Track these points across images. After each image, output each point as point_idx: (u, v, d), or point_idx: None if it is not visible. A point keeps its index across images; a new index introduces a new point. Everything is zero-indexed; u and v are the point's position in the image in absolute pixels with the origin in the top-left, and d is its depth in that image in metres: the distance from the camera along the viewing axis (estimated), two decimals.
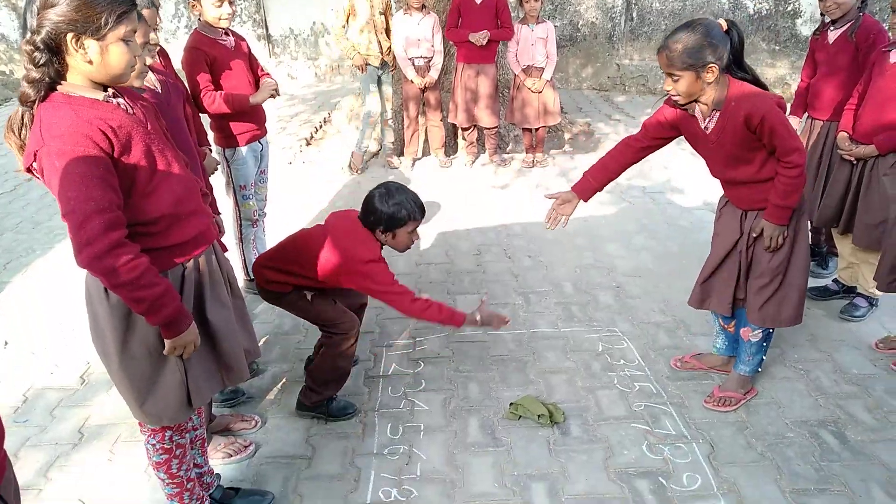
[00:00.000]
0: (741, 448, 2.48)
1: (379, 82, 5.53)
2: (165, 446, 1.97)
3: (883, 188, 3.01)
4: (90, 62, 1.55)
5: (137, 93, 1.83)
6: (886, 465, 2.37)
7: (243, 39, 3.39)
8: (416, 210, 2.51)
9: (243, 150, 3.37)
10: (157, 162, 1.69)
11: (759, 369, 2.72)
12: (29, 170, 1.58)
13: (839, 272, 3.46)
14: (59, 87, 1.56)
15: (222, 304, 1.92)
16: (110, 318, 1.70)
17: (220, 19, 3.13)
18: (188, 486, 2.05)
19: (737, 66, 2.31)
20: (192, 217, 1.79)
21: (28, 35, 1.51)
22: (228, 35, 3.26)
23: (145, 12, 2.32)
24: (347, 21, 5.29)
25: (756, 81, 2.34)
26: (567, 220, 2.70)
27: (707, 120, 2.40)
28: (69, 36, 1.50)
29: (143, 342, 1.74)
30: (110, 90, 1.65)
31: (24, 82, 1.53)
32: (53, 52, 1.52)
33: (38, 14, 1.49)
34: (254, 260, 3.61)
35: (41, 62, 1.51)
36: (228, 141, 3.33)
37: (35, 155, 1.53)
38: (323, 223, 2.64)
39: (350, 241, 2.48)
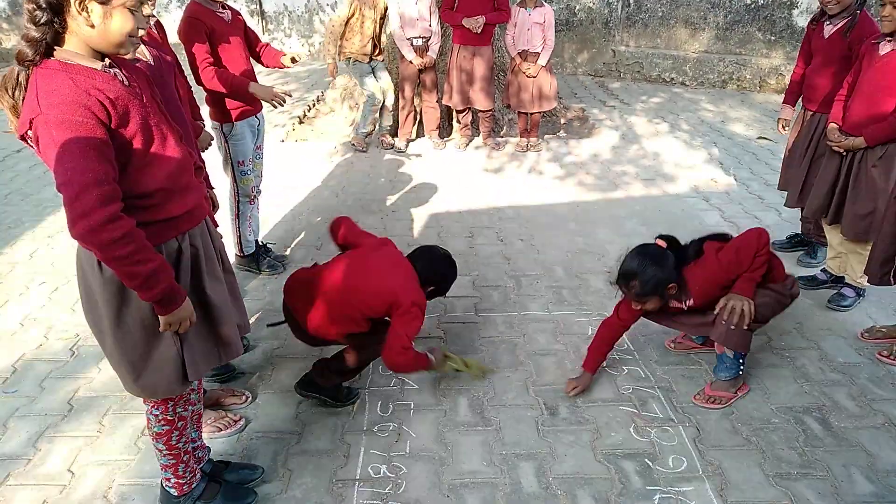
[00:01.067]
0: (727, 432, 2.51)
1: (373, 72, 5.54)
2: (168, 417, 1.97)
3: (871, 180, 3.03)
4: (92, 26, 1.52)
5: (133, 64, 1.80)
6: (868, 451, 2.41)
7: (239, 14, 3.36)
8: (454, 279, 2.69)
9: (240, 124, 3.34)
10: (153, 135, 1.67)
11: (741, 372, 2.71)
12: (23, 137, 1.56)
13: (828, 262, 3.50)
14: (55, 52, 1.54)
15: (217, 280, 1.91)
16: (104, 291, 1.69)
17: None
18: (184, 458, 2.06)
19: (680, 265, 2.57)
20: (187, 191, 1.78)
21: None
22: (225, 8, 3.22)
23: None
24: (349, 21, 5.28)
25: (697, 253, 2.63)
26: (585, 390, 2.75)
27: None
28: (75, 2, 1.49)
29: (137, 316, 1.72)
30: (107, 60, 1.62)
31: (23, 41, 1.51)
32: (56, 11, 1.50)
33: None
34: (249, 238, 3.61)
35: (42, 21, 1.49)
36: (225, 116, 3.30)
37: (30, 123, 1.51)
38: (357, 257, 2.55)
39: (412, 282, 2.46)
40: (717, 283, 2.57)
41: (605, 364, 2.90)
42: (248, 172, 3.47)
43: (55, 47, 1.54)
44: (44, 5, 1.48)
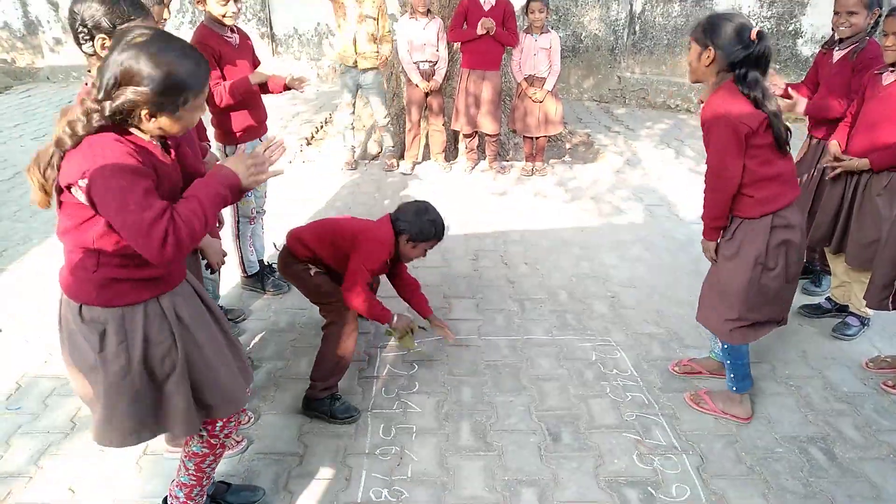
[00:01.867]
0: (731, 461, 2.50)
1: (357, 87, 5.52)
2: (212, 441, 1.98)
3: (876, 208, 3.04)
4: (160, 128, 1.60)
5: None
6: (873, 482, 2.40)
7: (248, 37, 3.41)
8: (441, 231, 2.86)
9: (244, 146, 3.38)
10: (164, 192, 1.68)
11: (745, 389, 2.72)
12: (67, 188, 1.56)
13: (832, 290, 3.49)
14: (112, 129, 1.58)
15: (207, 340, 1.86)
16: (86, 336, 1.70)
17: (224, 17, 3.14)
18: (204, 483, 2.06)
19: (743, 78, 2.32)
20: None
21: (98, 94, 1.52)
22: (234, 32, 3.27)
23: (154, 8, 2.33)
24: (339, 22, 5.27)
25: (756, 103, 2.34)
26: None
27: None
28: (143, 112, 1.54)
29: (108, 365, 1.71)
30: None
31: (68, 128, 1.52)
32: (119, 115, 1.54)
33: (115, 85, 1.51)
34: (251, 258, 3.64)
35: (96, 122, 1.52)
36: (229, 138, 3.34)
37: (84, 174, 1.51)
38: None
39: (375, 225, 2.85)
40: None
41: (608, 390, 2.90)
42: (249, 194, 3.49)
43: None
44: (108, 112, 1.52)
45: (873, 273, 3.01)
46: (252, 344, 3.23)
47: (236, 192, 1.73)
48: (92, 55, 1.95)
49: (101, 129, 1.54)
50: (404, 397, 2.84)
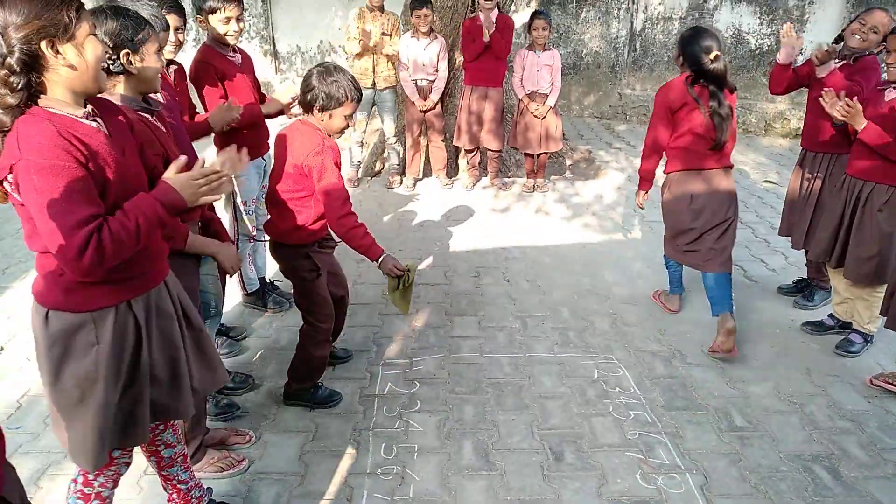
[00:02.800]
0: (734, 480, 2.48)
1: (373, 105, 5.60)
2: (84, 490, 1.89)
3: (877, 223, 3.04)
4: (72, 66, 1.51)
5: (115, 106, 1.76)
6: (879, 501, 2.38)
7: (249, 57, 3.43)
8: (353, 91, 2.55)
9: (247, 165, 3.38)
10: (114, 191, 1.62)
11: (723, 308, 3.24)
12: (3, 181, 1.52)
13: (834, 307, 3.48)
14: (40, 100, 1.52)
15: (172, 346, 1.84)
16: (47, 348, 1.67)
17: (227, 35, 3.17)
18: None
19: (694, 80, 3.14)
20: (144, 253, 1.71)
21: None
22: (236, 52, 3.30)
23: (161, 36, 2.34)
24: (351, 38, 5.34)
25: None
26: None
27: None
28: (43, 45, 1.45)
29: (73, 377, 1.67)
30: (89, 106, 1.61)
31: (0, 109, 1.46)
32: (31, 68, 1.47)
33: (1, 36, 1.43)
34: (251, 276, 3.64)
35: (19, 86, 1.45)
36: None
37: (11, 168, 1.48)
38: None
39: (297, 140, 2.58)
40: None
41: (610, 408, 2.88)
42: (250, 212, 3.50)
43: (37, 98, 1.51)
44: (19, 68, 1.44)
45: (891, 294, 2.97)
46: (252, 362, 3.22)
47: (175, 213, 1.67)
48: (121, 73, 1.92)
49: (30, 106, 1.48)
50: (406, 416, 2.82)
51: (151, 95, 2.10)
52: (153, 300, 1.78)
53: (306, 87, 2.55)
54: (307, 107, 2.57)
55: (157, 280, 1.80)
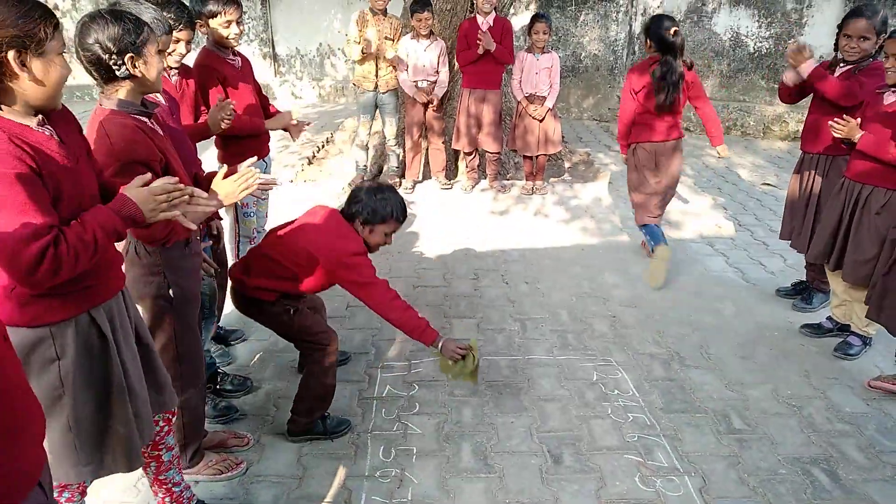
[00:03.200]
0: (733, 483, 2.48)
1: (375, 108, 5.62)
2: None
3: (875, 226, 3.04)
4: (37, 81, 1.48)
5: (67, 113, 1.72)
6: None
7: (248, 60, 3.44)
8: (399, 210, 2.63)
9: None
10: (67, 200, 1.58)
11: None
12: None
13: (833, 310, 3.49)
14: None
15: (132, 357, 1.82)
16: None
17: (227, 38, 3.17)
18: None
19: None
20: (99, 263, 1.65)
21: None
22: (236, 55, 3.30)
23: (163, 38, 2.33)
24: (351, 40, 5.35)
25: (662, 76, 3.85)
26: None
27: None
28: (11, 55, 1.42)
29: (43, 385, 1.62)
30: (40, 115, 1.56)
31: None
32: None
33: None
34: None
35: None
36: (231, 160, 3.35)
37: None
38: (297, 222, 2.68)
39: (334, 235, 2.55)
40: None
41: (609, 411, 2.88)
42: (251, 215, 3.50)
43: None
44: None
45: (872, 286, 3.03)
46: (251, 365, 3.22)
47: (132, 226, 1.64)
48: (127, 78, 1.89)
49: None
50: (404, 419, 2.82)
51: (151, 97, 2.10)
52: (114, 310, 1.75)
53: (354, 198, 2.60)
54: (350, 217, 2.60)
55: (114, 290, 1.77)
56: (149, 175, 1.69)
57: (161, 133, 2.04)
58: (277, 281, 2.57)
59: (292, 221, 2.71)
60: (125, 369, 1.75)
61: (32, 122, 1.54)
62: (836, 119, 3.06)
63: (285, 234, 2.64)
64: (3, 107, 1.49)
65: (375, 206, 2.56)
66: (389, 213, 2.58)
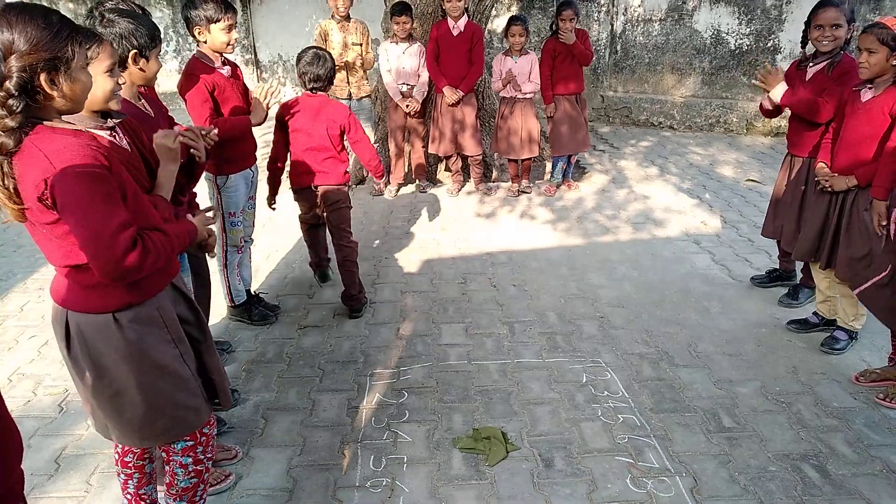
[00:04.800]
0: (724, 482, 2.48)
1: None
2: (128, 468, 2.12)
3: (863, 223, 3.06)
4: (67, 97, 1.56)
5: (131, 122, 1.89)
6: (867, 498, 2.38)
7: (237, 66, 3.43)
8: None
9: (234, 177, 3.37)
10: (130, 202, 1.70)
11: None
12: (39, 199, 1.53)
13: (818, 305, 3.51)
14: (46, 123, 1.57)
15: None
16: (126, 349, 1.77)
17: (228, 45, 3.17)
18: None
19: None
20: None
21: None
22: (226, 63, 3.28)
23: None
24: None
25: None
26: None
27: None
28: (43, 77, 1.49)
29: (158, 361, 1.83)
30: (110, 121, 1.72)
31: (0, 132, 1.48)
32: (29, 94, 1.50)
33: (2, 61, 1.46)
34: (238, 287, 3.61)
35: (18, 109, 1.47)
36: (219, 168, 3.33)
37: (45, 182, 1.50)
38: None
39: (329, 106, 3.68)
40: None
41: (599, 413, 2.88)
42: (238, 223, 3.48)
43: (39, 121, 1.56)
44: (16, 92, 1.47)
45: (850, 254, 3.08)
46: (239, 376, 3.19)
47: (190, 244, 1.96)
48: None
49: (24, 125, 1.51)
50: (394, 427, 2.80)
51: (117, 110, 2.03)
52: (165, 300, 1.91)
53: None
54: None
55: (165, 282, 1.92)
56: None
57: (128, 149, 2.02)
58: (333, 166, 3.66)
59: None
60: (183, 356, 1.92)
61: (93, 124, 1.68)
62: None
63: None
64: (55, 121, 1.59)
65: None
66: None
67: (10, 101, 1.47)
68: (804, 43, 3.50)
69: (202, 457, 2.05)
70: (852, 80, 3.16)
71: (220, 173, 3.34)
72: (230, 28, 3.13)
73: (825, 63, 3.38)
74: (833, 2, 3.28)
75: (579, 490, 2.44)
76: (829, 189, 3.15)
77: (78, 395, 2.17)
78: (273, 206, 3.78)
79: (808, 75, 3.45)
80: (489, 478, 2.50)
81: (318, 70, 3.56)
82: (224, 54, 3.26)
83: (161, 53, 2.54)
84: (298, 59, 3.61)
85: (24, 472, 1.38)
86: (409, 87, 5.46)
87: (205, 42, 3.17)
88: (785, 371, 3.18)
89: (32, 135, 1.53)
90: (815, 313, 3.54)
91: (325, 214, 3.73)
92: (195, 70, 3.15)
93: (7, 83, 1.47)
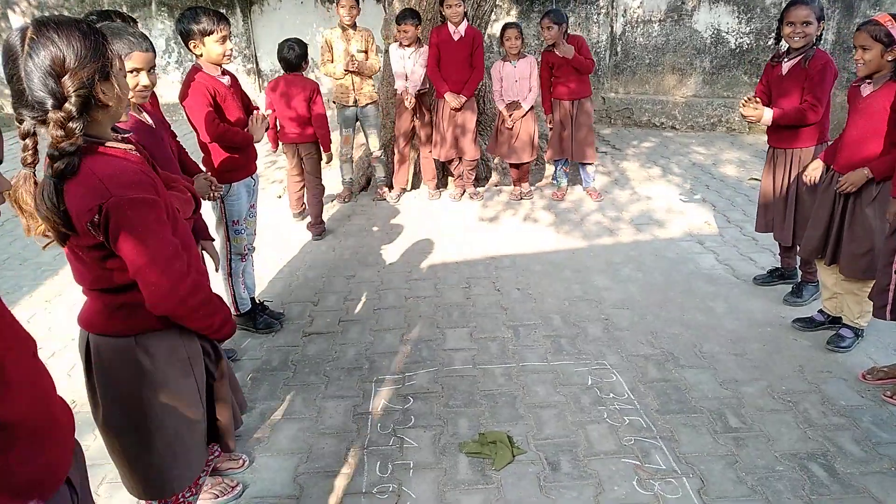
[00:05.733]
0: (731, 482, 2.47)
1: (356, 122, 5.64)
2: None
3: (866, 219, 3.06)
4: (116, 103, 1.56)
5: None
6: (875, 497, 2.37)
7: (236, 77, 3.46)
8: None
9: (237, 185, 3.39)
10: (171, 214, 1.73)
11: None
12: (89, 223, 1.50)
13: (824, 303, 3.50)
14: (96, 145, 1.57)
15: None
16: (154, 377, 1.76)
17: (223, 56, 3.19)
18: None
19: None
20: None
21: (54, 107, 1.43)
22: (225, 74, 3.31)
23: (147, 55, 2.33)
24: (325, 61, 5.42)
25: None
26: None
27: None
28: (98, 88, 1.48)
29: (178, 398, 1.81)
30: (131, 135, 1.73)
31: (56, 155, 1.45)
32: (87, 109, 1.49)
33: (57, 83, 1.42)
34: (243, 296, 3.62)
35: (79, 131, 1.46)
36: (221, 178, 3.34)
37: (99, 208, 1.47)
38: None
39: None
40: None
41: (605, 415, 2.88)
42: (241, 231, 3.49)
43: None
44: (77, 112, 1.44)
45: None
46: (244, 384, 3.20)
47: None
48: None
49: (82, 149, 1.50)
50: (400, 432, 2.81)
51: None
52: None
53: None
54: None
55: None
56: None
57: None
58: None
59: None
60: (199, 392, 1.90)
61: (124, 145, 1.64)
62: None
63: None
64: (102, 139, 1.58)
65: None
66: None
67: (72, 125, 1.43)
68: (777, 39, 3.63)
69: None
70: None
71: (222, 182, 3.36)
72: (224, 39, 3.15)
73: (800, 58, 3.49)
74: (804, 0, 3.41)
75: (586, 493, 2.44)
76: (850, 190, 3.10)
77: (85, 406, 2.19)
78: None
79: (785, 70, 3.57)
80: (496, 482, 2.50)
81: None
82: (222, 65, 3.28)
83: (157, 67, 2.55)
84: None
85: (71, 456, 1.38)
86: (415, 88, 5.48)
87: (201, 55, 3.20)
88: (791, 370, 3.17)
89: (87, 158, 1.50)
90: (820, 311, 3.53)
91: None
92: (195, 78, 3.18)
93: (67, 104, 1.43)
